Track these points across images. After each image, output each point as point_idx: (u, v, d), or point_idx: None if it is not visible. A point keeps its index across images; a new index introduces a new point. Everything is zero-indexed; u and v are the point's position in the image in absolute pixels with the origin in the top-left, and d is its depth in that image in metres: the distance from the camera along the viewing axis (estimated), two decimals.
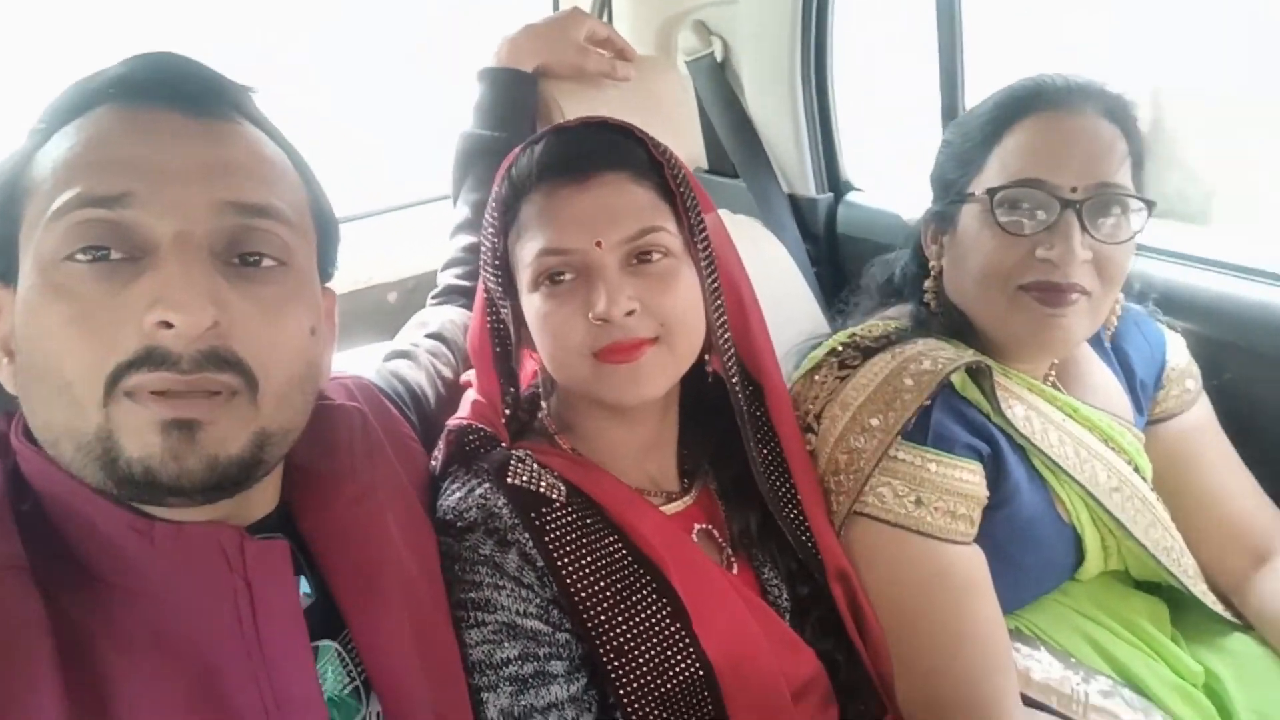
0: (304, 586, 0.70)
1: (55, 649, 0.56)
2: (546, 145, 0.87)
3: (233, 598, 0.63)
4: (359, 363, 1.07)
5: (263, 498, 0.71)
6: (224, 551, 0.63)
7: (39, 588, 0.58)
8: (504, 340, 0.93)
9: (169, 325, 0.58)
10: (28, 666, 0.55)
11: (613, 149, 0.87)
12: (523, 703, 0.78)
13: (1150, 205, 0.98)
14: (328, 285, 0.77)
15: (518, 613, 0.80)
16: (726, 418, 0.94)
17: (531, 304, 0.87)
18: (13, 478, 0.63)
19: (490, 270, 0.91)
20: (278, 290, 0.65)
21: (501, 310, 0.92)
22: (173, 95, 0.64)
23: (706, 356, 0.94)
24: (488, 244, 0.91)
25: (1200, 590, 1.07)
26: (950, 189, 1.06)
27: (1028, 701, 0.96)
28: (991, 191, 0.98)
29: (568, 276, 0.84)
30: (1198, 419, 1.15)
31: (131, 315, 0.58)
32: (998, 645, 0.95)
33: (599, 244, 0.82)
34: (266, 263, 0.65)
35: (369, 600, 0.71)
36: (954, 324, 1.08)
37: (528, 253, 0.85)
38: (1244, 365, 1.21)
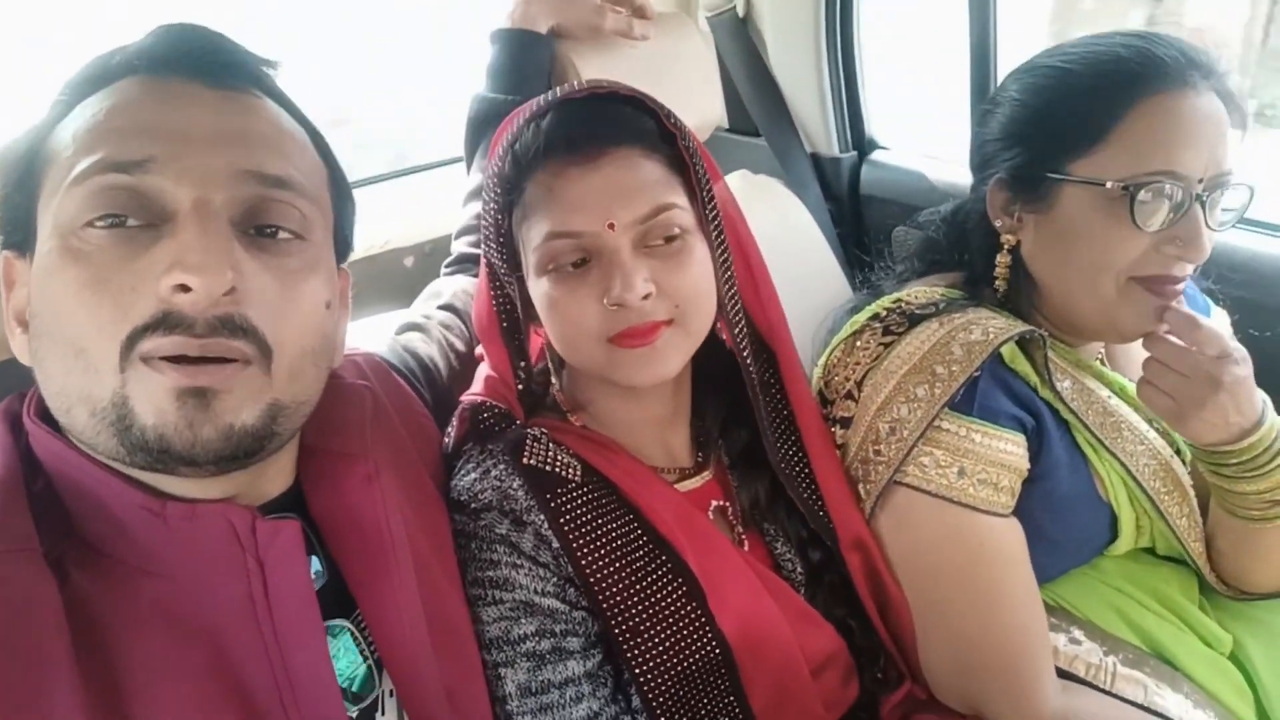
0: (315, 566, 0.70)
1: (69, 630, 0.56)
2: (553, 121, 0.82)
3: (245, 578, 0.63)
4: (372, 332, 1.05)
5: (276, 476, 0.71)
6: (235, 532, 0.62)
7: (52, 568, 0.58)
8: (511, 314, 0.91)
9: (186, 289, 0.57)
10: (43, 649, 0.55)
11: (623, 122, 0.82)
12: (540, 678, 0.79)
13: (1252, 190, 0.93)
14: (342, 266, 0.76)
15: (535, 591, 0.80)
16: (734, 384, 0.92)
17: (539, 288, 0.83)
18: (25, 458, 0.63)
19: (493, 246, 0.88)
20: (294, 262, 0.65)
21: (507, 286, 0.90)
22: (196, 67, 0.64)
23: (716, 325, 0.91)
24: (489, 220, 0.87)
25: (1214, 578, 1.05)
26: (1039, 162, 0.97)
27: (1059, 673, 0.95)
28: (1127, 186, 0.90)
29: (579, 259, 0.81)
30: None
31: (149, 280, 0.58)
32: (1033, 614, 0.94)
33: (611, 226, 0.79)
34: (283, 235, 0.65)
35: (379, 580, 0.71)
36: (1015, 299, 1.03)
37: (534, 235, 0.82)
38: None
